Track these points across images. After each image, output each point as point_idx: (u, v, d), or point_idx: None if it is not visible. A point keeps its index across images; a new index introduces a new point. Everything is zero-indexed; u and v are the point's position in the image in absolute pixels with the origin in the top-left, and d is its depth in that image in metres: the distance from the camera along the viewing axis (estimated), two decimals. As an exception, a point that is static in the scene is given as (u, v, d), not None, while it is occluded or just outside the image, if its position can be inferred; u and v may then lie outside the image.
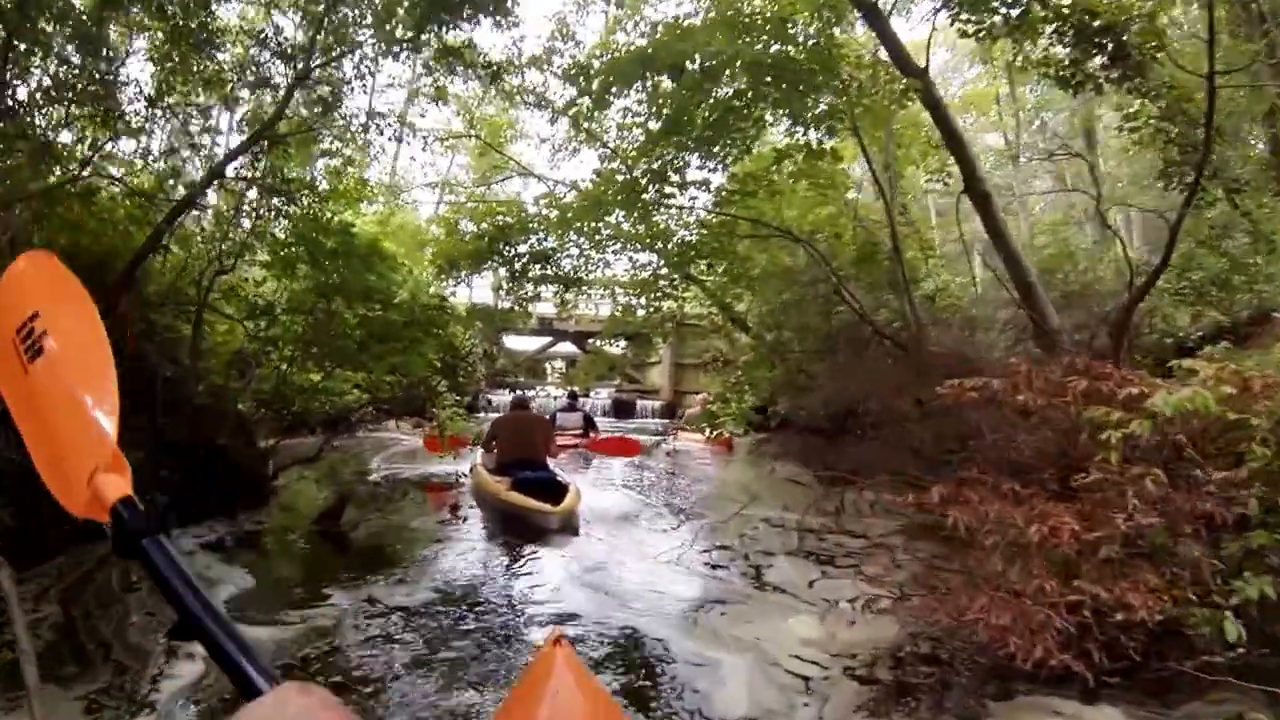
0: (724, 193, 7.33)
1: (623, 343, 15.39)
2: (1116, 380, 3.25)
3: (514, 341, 22.28)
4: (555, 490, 5.69)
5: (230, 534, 4.86)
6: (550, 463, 6.63)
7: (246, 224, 6.51)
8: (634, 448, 8.56)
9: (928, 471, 5.66)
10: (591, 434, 13.19)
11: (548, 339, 23.28)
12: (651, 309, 9.24)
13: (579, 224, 7.34)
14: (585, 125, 8.71)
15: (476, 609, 3.66)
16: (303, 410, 8.67)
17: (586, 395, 13.89)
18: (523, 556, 4.64)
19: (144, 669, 2.82)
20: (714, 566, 4.29)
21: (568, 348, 23.88)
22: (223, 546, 4.55)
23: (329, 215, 6.52)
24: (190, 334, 5.95)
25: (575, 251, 8.25)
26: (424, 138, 9.74)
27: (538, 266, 7.13)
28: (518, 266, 6.92)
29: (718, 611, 3.60)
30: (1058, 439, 3.92)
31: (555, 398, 12.68)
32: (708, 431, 7.81)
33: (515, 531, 5.26)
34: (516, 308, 7.54)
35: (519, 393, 7.35)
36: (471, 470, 6.90)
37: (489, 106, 13.49)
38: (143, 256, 5.19)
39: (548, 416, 13.14)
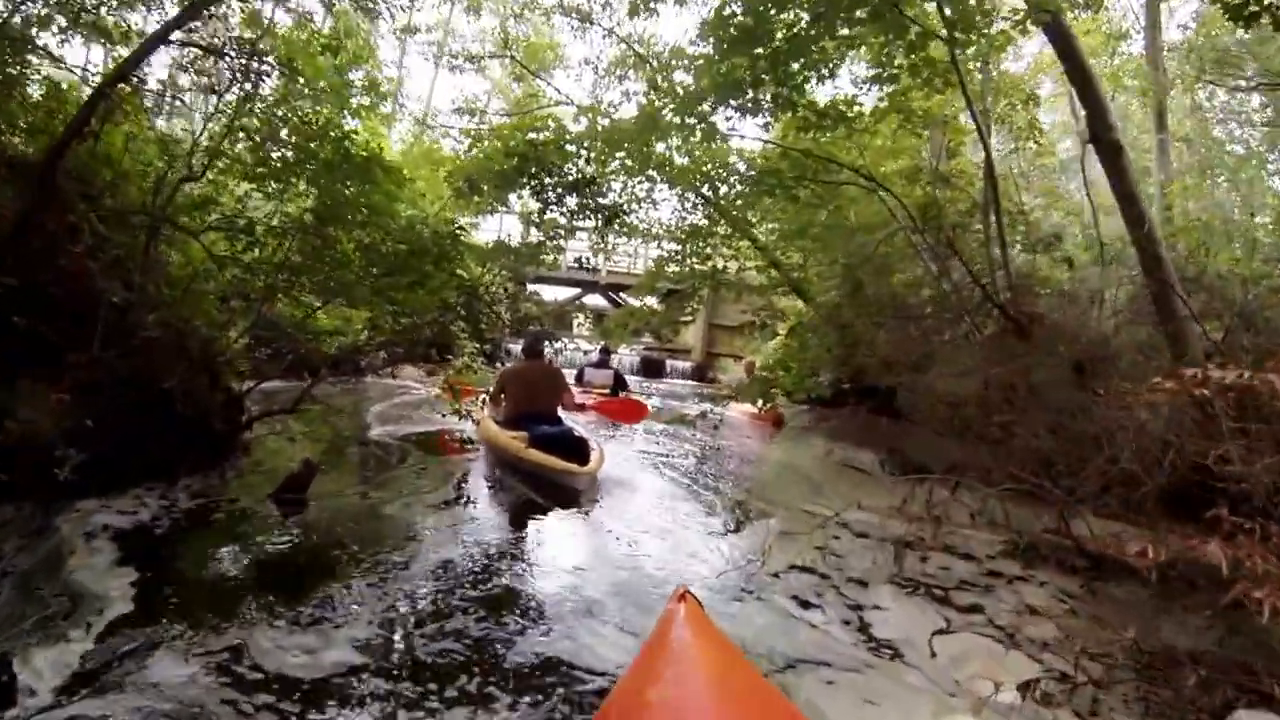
0: (801, 120, 6.00)
1: (655, 301, 14.16)
2: None
3: (543, 290, 21.21)
4: (577, 448, 5.32)
5: (161, 509, 3.80)
6: (565, 417, 6.10)
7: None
8: (639, 411, 7.37)
9: (1046, 479, 4.49)
10: (621, 393, 12.06)
11: (576, 289, 22.11)
12: (698, 260, 7.98)
13: (626, 149, 6.08)
14: (634, 43, 7.39)
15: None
16: (296, 350, 7.65)
17: (615, 352, 12.73)
18: (536, 567, 3.54)
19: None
20: (801, 602, 3.14)
21: (597, 300, 22.71)
22: (136, 531, 3.46)
23: (324, 118, 5.34)
24: (147, 251, 4.85)
25: (618, 185, 7.02)
26: (455, 58, 8.51)
27: (574, 197, 5.90)
28: (552, 195, 5.69)
29: (821, 681, 2.47)
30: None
31: (585, 352, 11.50)
32: (760, 404, 6.62)
33: (535, 500, 4.64)
34: (548, 242, 6.30)
35: (532, 337, 6.18)
36: (478, 424, 5.99)
37: (525, 25, 12.07)
38: (63, 145, 4.06)
39: (576, 372, 12.09)
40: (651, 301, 12.39)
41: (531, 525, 4.32)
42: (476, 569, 3.36)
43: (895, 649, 2.79)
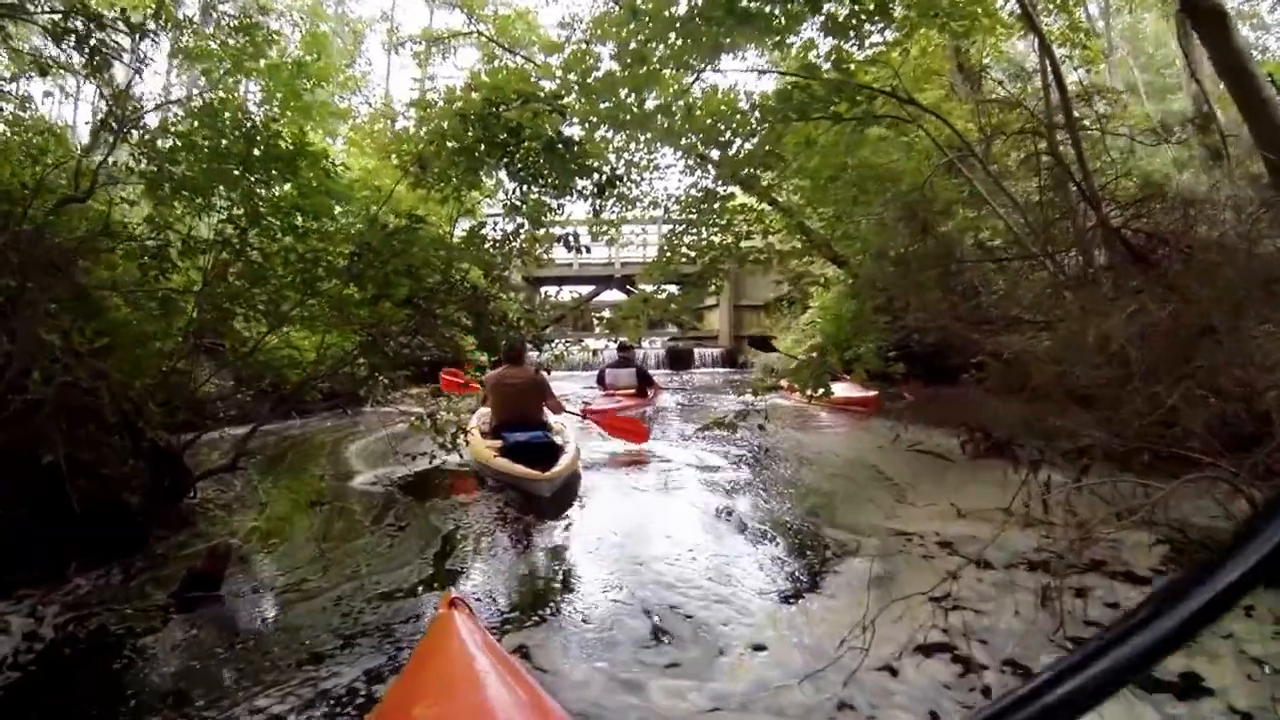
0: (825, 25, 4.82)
1: (673, 287, 12.96)
2: None
3: (561, 291, 20.22)
4: (547, 454, 5.16)
5: (30, 628, 2.79)
6: (558, 421, 6.07)
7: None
8: (640, 435, 6.37)
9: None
10: (650, 391, 10.94)
11: (590, 287, 21.05)
12: (716, 231, 6.82)
13: (614, 102, 4.95)
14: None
15: None
16: (261, 387, 6.69)
17: (638, 346, 11.60)
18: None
19: None
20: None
21: (615, 295, 21.63)
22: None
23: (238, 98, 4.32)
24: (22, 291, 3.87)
25: (613, 155, 5.91)
26: (415, 42, 7.41)
27: (554, 162, 4.79)
28: (528, 167, 4.57)
29: None
30: None
31: (595, 352, 10.47)
32: (810, 387, 5.45)
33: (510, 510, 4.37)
34: (524, 231, 5.14)
35: (512, 342, 5.67)
36: (469, 444, 5.46)
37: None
38: None
39: (596, 375, 10.98)
40: (671, 288, 11.23)
41: (517, 611, 3.16)
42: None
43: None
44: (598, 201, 4.53)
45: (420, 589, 3.15)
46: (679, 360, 19.08)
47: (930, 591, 2.42)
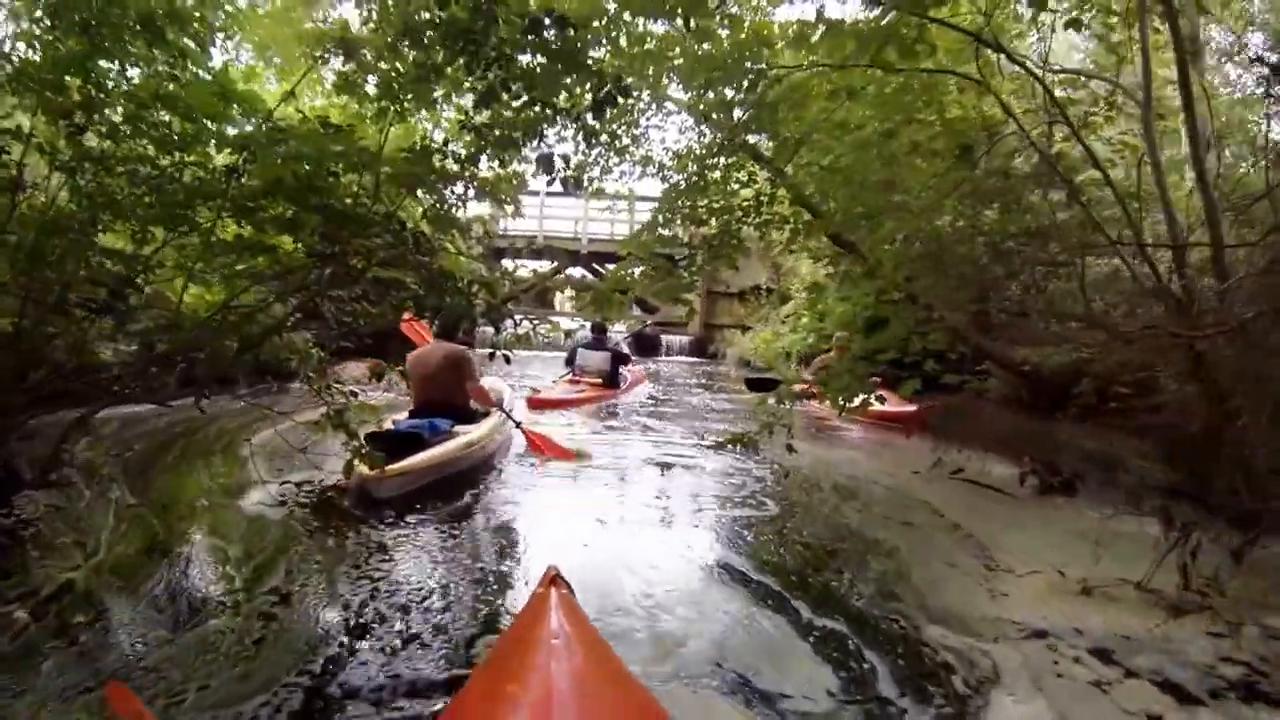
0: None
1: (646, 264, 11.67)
2: None
3: (515, 269, 18.68)
4: (415, 445, 4.24)
5: None
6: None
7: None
8: (562, 454, 5.26)
9: None
10: (623, 369, 9.67)
11: (553, 263, 19.59)
12: (724, 194, 5.58)
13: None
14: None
15: None
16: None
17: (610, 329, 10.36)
18: None
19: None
20: None
21: (579, 273, 20.23)
22: None
23: None
24: None
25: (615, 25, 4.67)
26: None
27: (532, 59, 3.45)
28: (497, 53, 3.15)
29: None
30: None
31: (568, 334, 9.23)
32: (846, 399, 4.26)
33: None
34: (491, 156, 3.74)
35: (445, 315, 4.73)
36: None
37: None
38: None
39: (566, 356, 9.75)
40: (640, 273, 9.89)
41: None
42: None
43: None
44: (594, 122, 3.19)
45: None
46: (645, 346, 17.82)
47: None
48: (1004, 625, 2.56)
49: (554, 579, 1.76)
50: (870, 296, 6.48)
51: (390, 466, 3.79)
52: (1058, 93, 5.39)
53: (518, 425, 5.52)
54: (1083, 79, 5.80)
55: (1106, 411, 6.40)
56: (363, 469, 3.67)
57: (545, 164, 3.13)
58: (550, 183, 3.55)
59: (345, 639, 2.28)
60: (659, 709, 1.45)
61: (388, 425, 4.69)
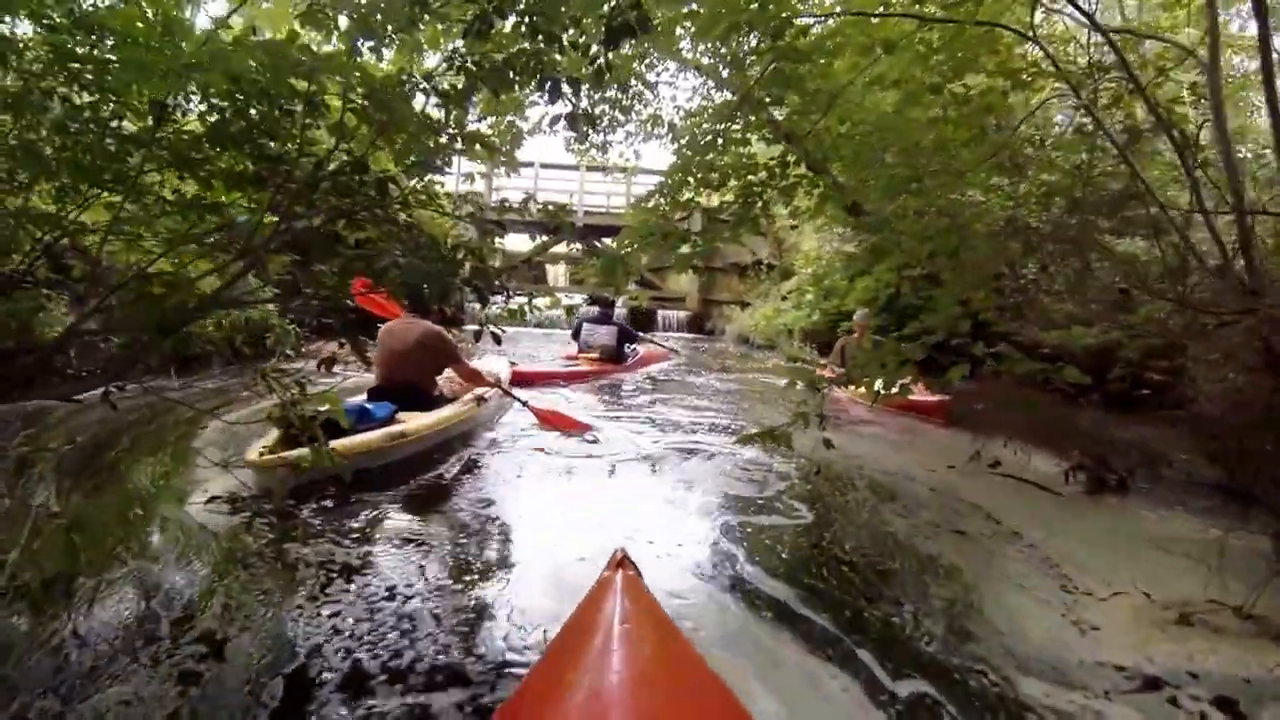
0: None
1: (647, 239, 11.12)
2: None
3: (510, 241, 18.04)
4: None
5: None
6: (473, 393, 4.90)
7: None
8: (580, 428, 4.97)
9: None
10: (631, 346, 9.25)
11: (545, 237, 18.95)
12: (741, 156, 5.02)
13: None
14: None
15: None
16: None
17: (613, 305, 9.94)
18: None
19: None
20: None
21: (574, 248, 19.61)
22: None
23: None
24: None
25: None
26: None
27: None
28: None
29: None
30: None
31: (571, 310, 8.92)
32: (879, 384, 3.77)
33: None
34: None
35: (416, 283, 3.93)
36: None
37: None
38: None
39: (571, 330, 9.38)
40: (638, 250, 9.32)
41: None
42: None
43: None
44: (608, 55, 2.63)
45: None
46: (639, 323, 17.32)
47: None
48: (1108, 673, 2.12)
49: (621, 561, 1.68)
50: (893, 273, 6.00)
51: (272, 456, 3.34)
52: (1098, 56, 4.89)
53: (524, 404, 5.25)
54: (1137, 38, 5.28)
55: (1138, 400, 5.94)
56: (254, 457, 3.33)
57: (553, 91, 2.59)
58: (554, 124, 3.00)
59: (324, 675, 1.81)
60: (740, 707, 1.27)
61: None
